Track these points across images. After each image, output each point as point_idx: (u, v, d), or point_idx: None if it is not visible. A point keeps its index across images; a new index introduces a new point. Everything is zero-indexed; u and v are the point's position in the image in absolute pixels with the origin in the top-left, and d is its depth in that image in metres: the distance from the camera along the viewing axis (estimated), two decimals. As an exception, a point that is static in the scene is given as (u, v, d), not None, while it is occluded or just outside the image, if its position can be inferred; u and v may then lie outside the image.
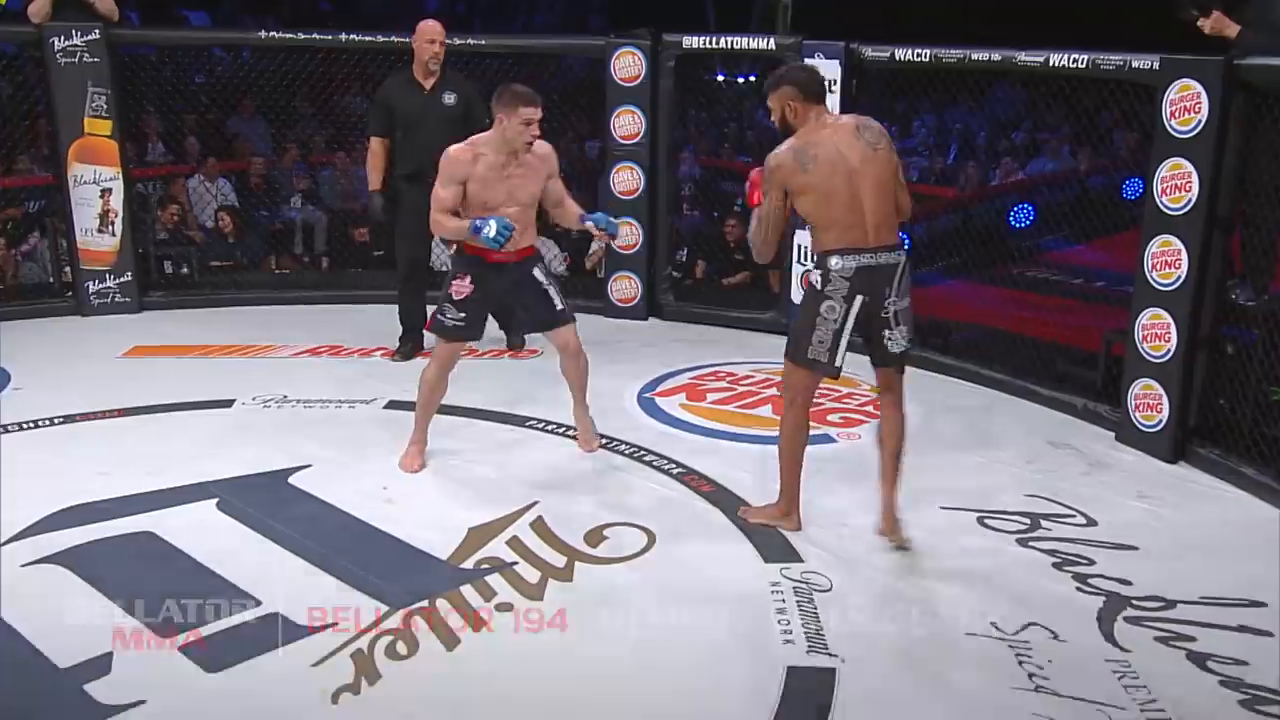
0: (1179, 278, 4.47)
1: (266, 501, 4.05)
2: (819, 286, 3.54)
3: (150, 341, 6.08)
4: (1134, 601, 3.50)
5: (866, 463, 4.09)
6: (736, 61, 9.69)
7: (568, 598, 3.46)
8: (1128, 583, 3.61)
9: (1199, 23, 4.81)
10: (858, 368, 4.06)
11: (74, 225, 6.44)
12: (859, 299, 3.52)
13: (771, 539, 3.85)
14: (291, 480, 4.25)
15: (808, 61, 5.26)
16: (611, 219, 4.31)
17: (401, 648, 3.14)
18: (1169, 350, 4.54)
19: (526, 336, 5.92)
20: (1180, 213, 4.43)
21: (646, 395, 5.35)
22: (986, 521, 4.06)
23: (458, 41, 5.73)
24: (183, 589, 3.41)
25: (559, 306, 4.32)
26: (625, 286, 6.73)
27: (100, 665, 3.01)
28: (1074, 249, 6.62)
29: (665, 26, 6.52)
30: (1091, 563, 3.75)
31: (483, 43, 6.63)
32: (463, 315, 4.22)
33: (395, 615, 3.29)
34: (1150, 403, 4.65)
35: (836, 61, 5.76)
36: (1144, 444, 4.69)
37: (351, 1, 15.41)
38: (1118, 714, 2.92)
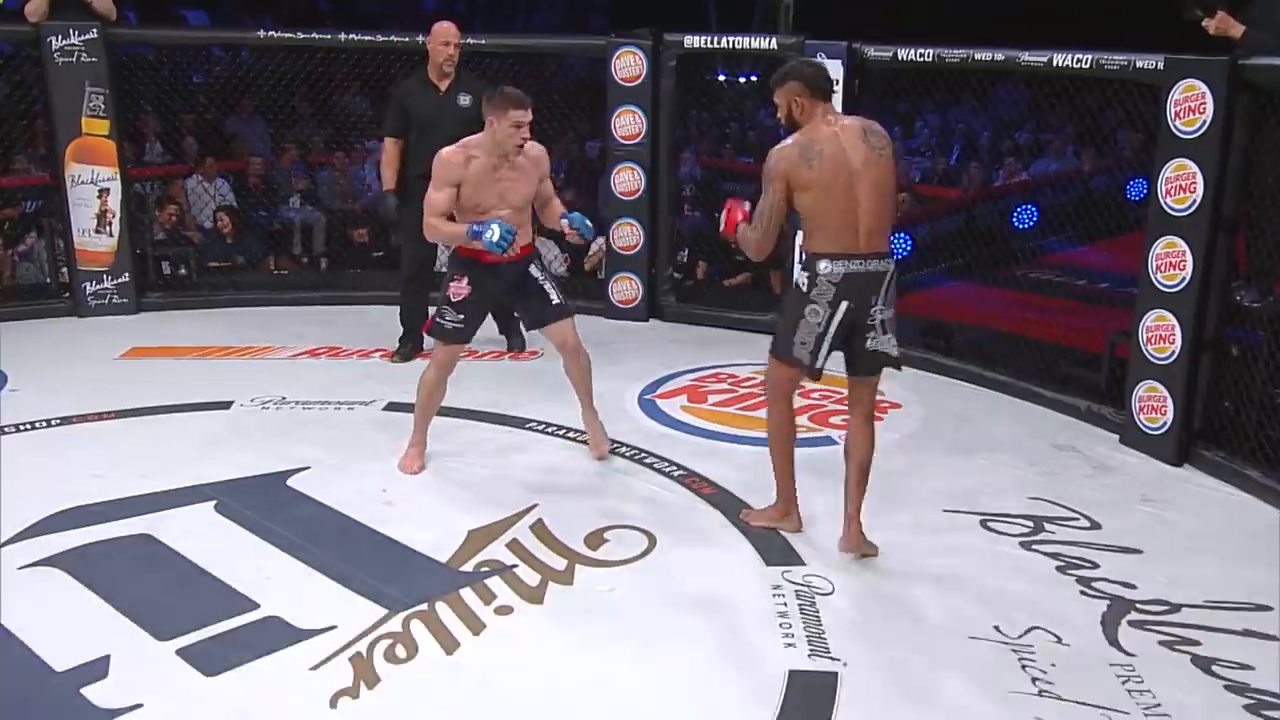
0: (1183, 279, 4.45)
1: (265, 504, 4.03)
2: (804, 289, 3.51)
3: (148, 343, 6.06)
4: (1138, 605, 3.49)
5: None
6: (738, 61, 9.70)
7: (568, 601, 3.45)
8: (1132, 586, 3.60)
9: (1204, 23, 4.79)
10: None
11: (71, 225, 6.42)
12: (844, 305, 3.49)
13: (773, 542, 3.83)
14: (290, 482, 4.24)
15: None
16: (587, 221, 4.28)
17: (401, 651, 3.13)
18: (1173, 352, 4.52)
19: (526, 338, 5.90)
20: (1185, 214, 4.41)
21: (647, 397, 5.34)
22: (989, 524, 4.04)
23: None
24: (180, 592, 3.43)
25: (555, 301, 4.30)
26: (626, 288, 6.71)
27: (97, 668, 3.00)
28: (1078, 250, 6.62)
29: (667, 26, 6.51)
30: (1095, 566, 3.73)
31: (483, 42, 6.61)
32: (461, 317, 4.20)
33: (394, 618, 3.28)
34: (1154, 405, 4.63)
35: (839, 61, 5.74)
36: (1148, 446, 4.67)
37: (350, 1, 15.41)
38: (1121, 718, 2.91)
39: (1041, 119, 10.01)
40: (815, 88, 3.50)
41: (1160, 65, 4.51)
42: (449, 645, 3.17)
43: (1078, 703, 2.96)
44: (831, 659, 3.13)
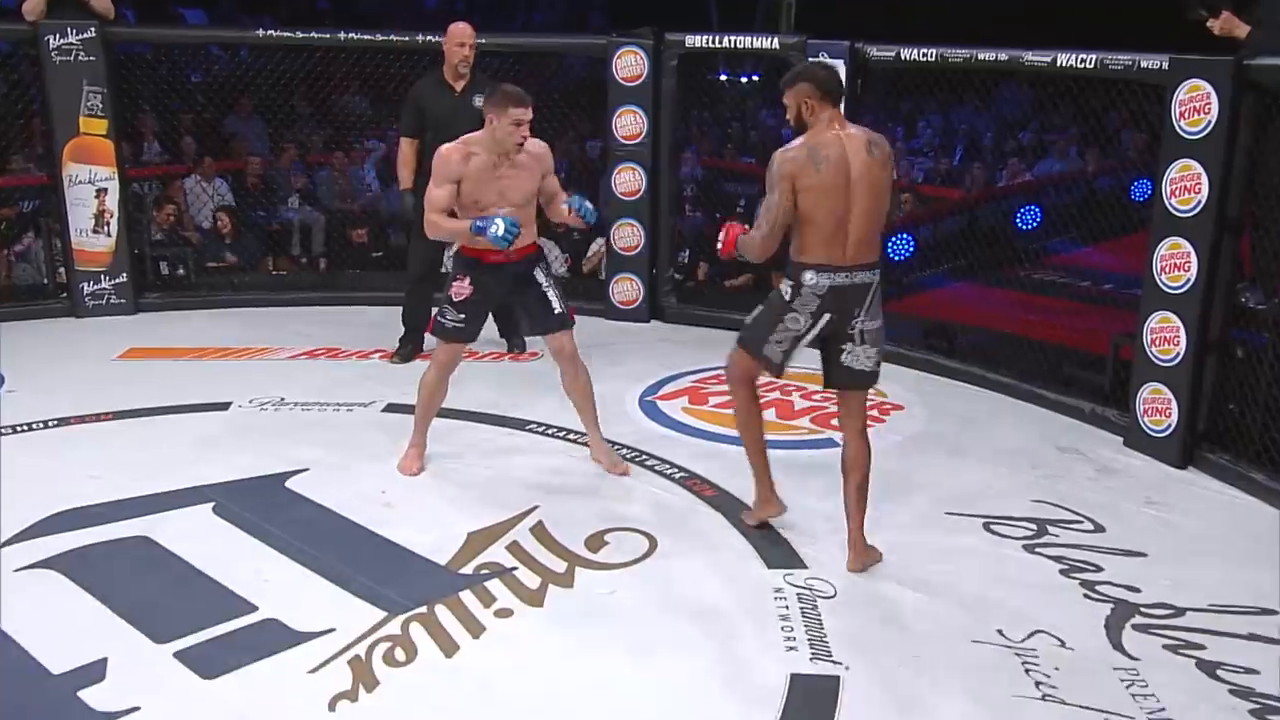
0: (1188, 280, 4.43)
1: (263, 505, 4.01)
2: (787, 298, 3.51)
3: (146, 343, 6.03)
4: (1142, 609, 3.47)
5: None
6: (740, 61, 9.70)
7: (568, 604, 3.43)
8: (1136, 590, 3.58)
9: (1208, 23, 4.78)
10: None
11: (69, 225, 6.40)
12: (826, 317, 3.49)
13: (774, 544, 3.82)
14: (289, 484, 4.22)
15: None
16: (588, 204, 4.24)
17: (400, 654, 3.11)
18: (1178, 354, 4.50)
19: (526, 339, 5.88)
20: (1189, 214, 4.39)
21: (648, 398, 5.32)
22: (993, 527, 4.02)
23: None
24: (178, 594, 3.41)
25: (557, 310, 4.26)
26: (627, 288, 6.69)
27: (95, 671, 2.99)
28: (1081, 251, 6.61)
29: (668, 25, 6.50)
30: (1099, 569, 3.71)
31: (482, 41, 6.57)
32: (461, 317, 4.18)
33: (393, 621, 3.26)
34: (1159, 407, 4.61)
35: (841, 61, 5.70)
36: (1152, 449, 4.66)
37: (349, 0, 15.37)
38: (1126, 724, 2.89)
39: (1045, 119, 9.99)
40: (826, 90, 3.47)
41: (1165, 65, 4.49)
42: (448, 648, 3.15)
43: (1081, 707, 2.95)
44: (833, 662, 3.12)
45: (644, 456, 4.56)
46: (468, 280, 4.15)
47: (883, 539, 3.75)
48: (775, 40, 6.37)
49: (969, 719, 2.91)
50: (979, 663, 3.15)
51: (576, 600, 3.45)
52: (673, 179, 6.70)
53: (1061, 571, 3.70)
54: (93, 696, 2.88)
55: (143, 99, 7.45)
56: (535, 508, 4.02)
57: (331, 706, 2.87)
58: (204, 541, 3.73)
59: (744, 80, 10.85)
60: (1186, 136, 4.37)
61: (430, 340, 4.78)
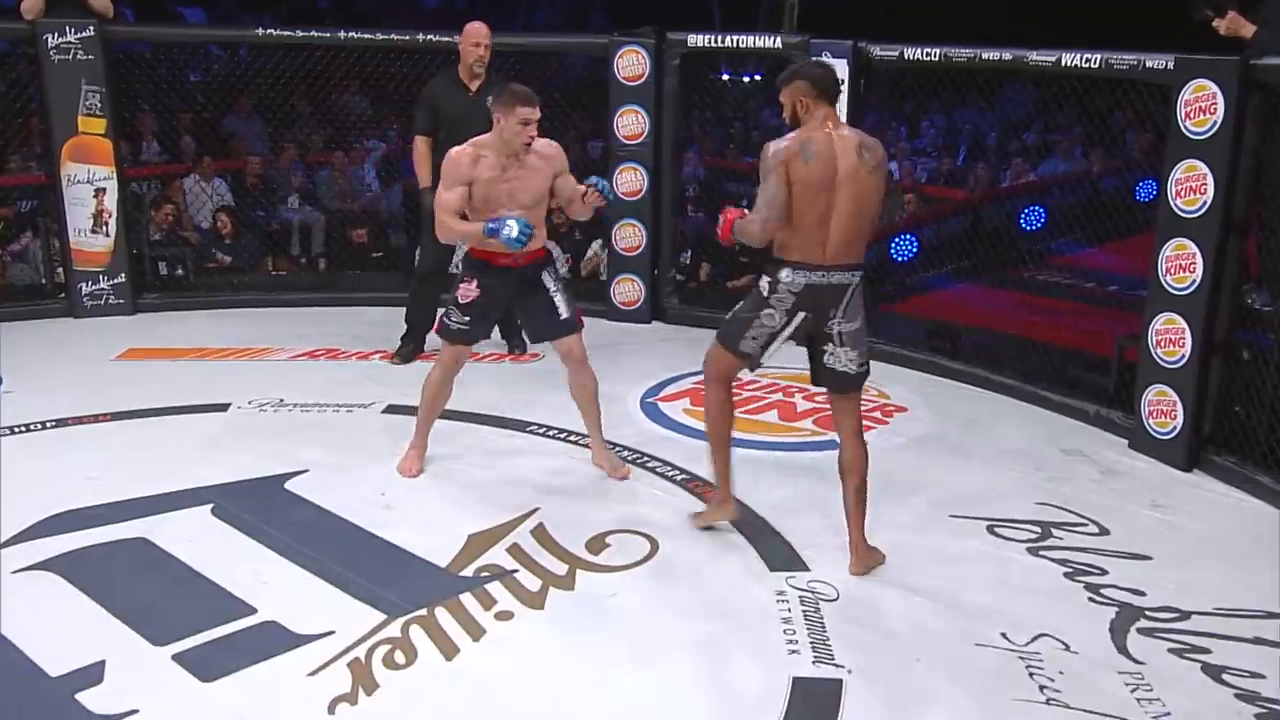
0: (1193, 282, 4.41)
1: (262, 507, 3.99)
2: (765, 294, 3.52)
3: (144, 344, 6.02)
4: (1147, 612, 3.45)
5: (871, 466, 4.01)
6: (742, 60, 9.66)
7: (569, 606, 3.41)
8: (1141, 593, 3.56)
9: (1214, 23, 4.76)
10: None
11: (67, 225, 6.38)
12: (801, 315, 3.49)
13: (776, 547, 3.80)
14: (288, 485, 4.20)
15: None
16: (606, 183, 4.16)
17: (399, 657, 3.10)
18: (1183, 356, 4.48)
19: (527, 340, 5.86)
20: (1195, 215, 4.37)
21: (650, 400, 5.30)
22: (996, 530, 4.00)
23: (457, 38, 5.68)
24: (177, 596, 3.40)
25: (564, 315, 4.22)
26: (628, 289, 6.67)
27: (93, 674, 2.98)
28: (1086, 252, 6.60)
29: (670, 25, 6.49)
30: (1104, 572, 3.70)
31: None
32: (466, 319, 4.15)
33: (393, 624, 3.25)
34: (1164, 409, 4.59)
35: (844, 61, 5.70)
36: (1157, 451, 4.64)
37: (348, -2, 15.36)
38: (1132, 728, 2.88)
39: (1049, 119, 9.98)
40: (821, 89, 3.47)
41: (1170, 65, 4.48)
42: (448, 651, 3.14)
43: (1086, 711, 2.93)
44: (835, 665, 3.10)
45: (645, 458, 4.55)
46: (475, 283, 4.12)
47: (885, 541, 3.73)
48: (778, 40, 6.35)
49: (973, 723, 2.90)
50: (982, 666, 3.14)
51: (577, 603, 3.44)
52: (675, 179, 6.68)
53: (1066, 574, 3.68)
54: (90, 699, 2.87)
55: (141, 98, 7.42)
56: (536, 509, 4.00)
57: (331, 709, 2.86)
58: (203, 543, 3.71)
59: (746, 80, 10.81)
60: (1192, 137, 4.35)
61: (432, 341, 4.76)
